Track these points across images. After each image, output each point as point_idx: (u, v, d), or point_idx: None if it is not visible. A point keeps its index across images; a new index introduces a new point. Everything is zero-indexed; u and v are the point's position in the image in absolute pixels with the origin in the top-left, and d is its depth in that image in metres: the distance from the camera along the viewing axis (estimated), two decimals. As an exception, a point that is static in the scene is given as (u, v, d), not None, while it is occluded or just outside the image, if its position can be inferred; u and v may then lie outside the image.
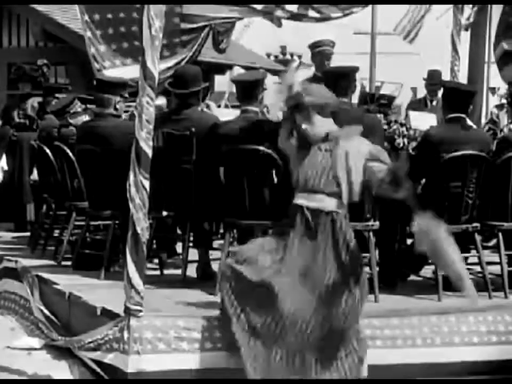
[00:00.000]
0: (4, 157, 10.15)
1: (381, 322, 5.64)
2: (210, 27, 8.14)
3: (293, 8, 7.56)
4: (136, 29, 7.43)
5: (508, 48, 8.65)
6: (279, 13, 7.56)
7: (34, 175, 9.40)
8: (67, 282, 6.56)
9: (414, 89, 20.04)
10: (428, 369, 5.63)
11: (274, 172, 6.22)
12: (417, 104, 10.37)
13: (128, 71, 7.69)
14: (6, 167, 10.09)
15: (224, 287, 5.25)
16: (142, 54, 5.24)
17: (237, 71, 14.58)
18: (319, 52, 8.87)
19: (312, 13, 7.66)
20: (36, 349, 6.05)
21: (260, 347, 5.10)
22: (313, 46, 8.95)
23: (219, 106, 9.26)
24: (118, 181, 6.50)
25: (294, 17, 7.68)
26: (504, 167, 6.47)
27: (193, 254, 6.78)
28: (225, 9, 7.79)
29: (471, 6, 8.94)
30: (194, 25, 7.91)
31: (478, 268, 6.55)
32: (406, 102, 11.05)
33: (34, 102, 10.27)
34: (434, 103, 10.39)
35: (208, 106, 7.92)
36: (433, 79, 10.55)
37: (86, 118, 8.11)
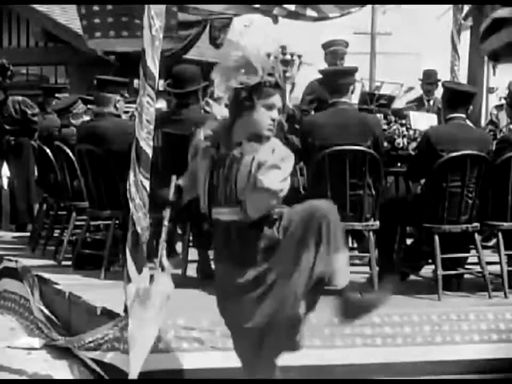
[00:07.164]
0: (5, 164, 10.09)
1: (381, 320, 5.64)
2: (206, 22, 8.17)
3: (290, 7, 7.58)
4: (138, 8, 7.47)
5: (498, 16, 8.47)
6: (276, 11, 7.58)
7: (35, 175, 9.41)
8: (67, 282, 6.56)
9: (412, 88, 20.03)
10: (428, 368, 5.63)
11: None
12: (414, 104, 10.39)
13: (120, 43, 7.70)
14: (8, 174, 10.06)
15: None
16: (143, 54, 5.23)
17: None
18: (332, 51, 8.79)
19: (310, 12, 7.68)
20: (36, 349, 6.04)
21: None
22: (327, 46, 8.86)
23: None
24: (118, 180, 6.52)
25: (291, 15, 7.70)
26: (504, 167, 6.47)
27: (193, 254, 6.78)
28: (223, 6, 7.81)
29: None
30: (192, 18, 7.93)
31: (478, 268, 6.55)
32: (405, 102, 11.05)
33: (14, 100, 9.97)
34: (431, 102, 10.44)
35: (207, 104, 7.89)
36: (429, 78, 10.60)
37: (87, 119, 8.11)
